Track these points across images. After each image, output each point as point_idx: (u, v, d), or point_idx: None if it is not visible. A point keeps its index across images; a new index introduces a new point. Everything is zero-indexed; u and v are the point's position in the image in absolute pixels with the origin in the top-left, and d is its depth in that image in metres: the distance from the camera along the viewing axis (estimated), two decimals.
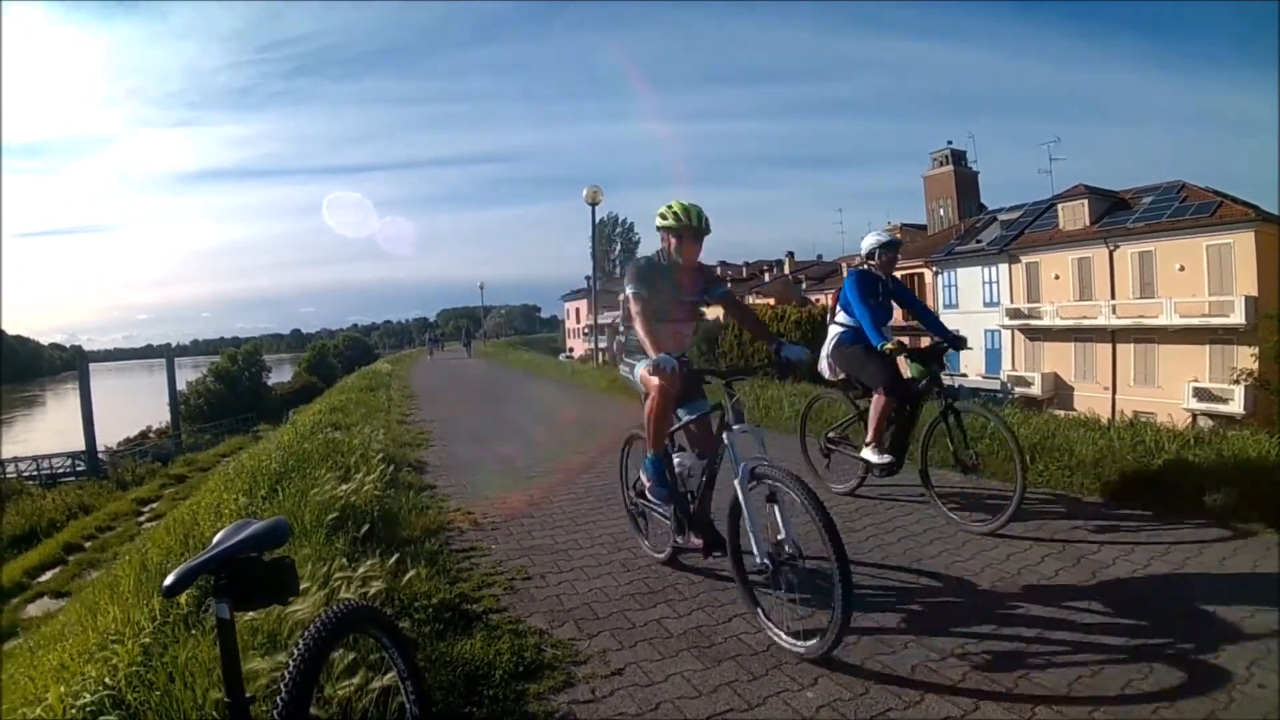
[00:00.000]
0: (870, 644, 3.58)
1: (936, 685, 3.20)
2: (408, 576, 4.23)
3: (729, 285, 5.15)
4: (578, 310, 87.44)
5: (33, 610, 16.47)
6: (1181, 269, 32.06)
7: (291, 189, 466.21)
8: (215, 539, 1.97)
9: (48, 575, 19.29)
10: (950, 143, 59.08)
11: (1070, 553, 4.76)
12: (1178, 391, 31.33)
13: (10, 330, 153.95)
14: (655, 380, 4.40)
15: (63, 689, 3.04)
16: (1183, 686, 3.09)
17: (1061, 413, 11.50)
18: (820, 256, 71.96)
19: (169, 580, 1.80)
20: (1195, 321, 31.23)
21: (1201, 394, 30.85)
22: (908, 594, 4.29)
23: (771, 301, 48.08)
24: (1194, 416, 27.01)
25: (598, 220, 25.06)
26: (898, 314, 6.44)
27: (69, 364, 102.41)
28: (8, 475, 38.30)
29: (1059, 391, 36.73)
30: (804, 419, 7.39)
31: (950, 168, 57.94)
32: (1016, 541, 5.01)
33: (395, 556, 4.47)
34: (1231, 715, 2.90)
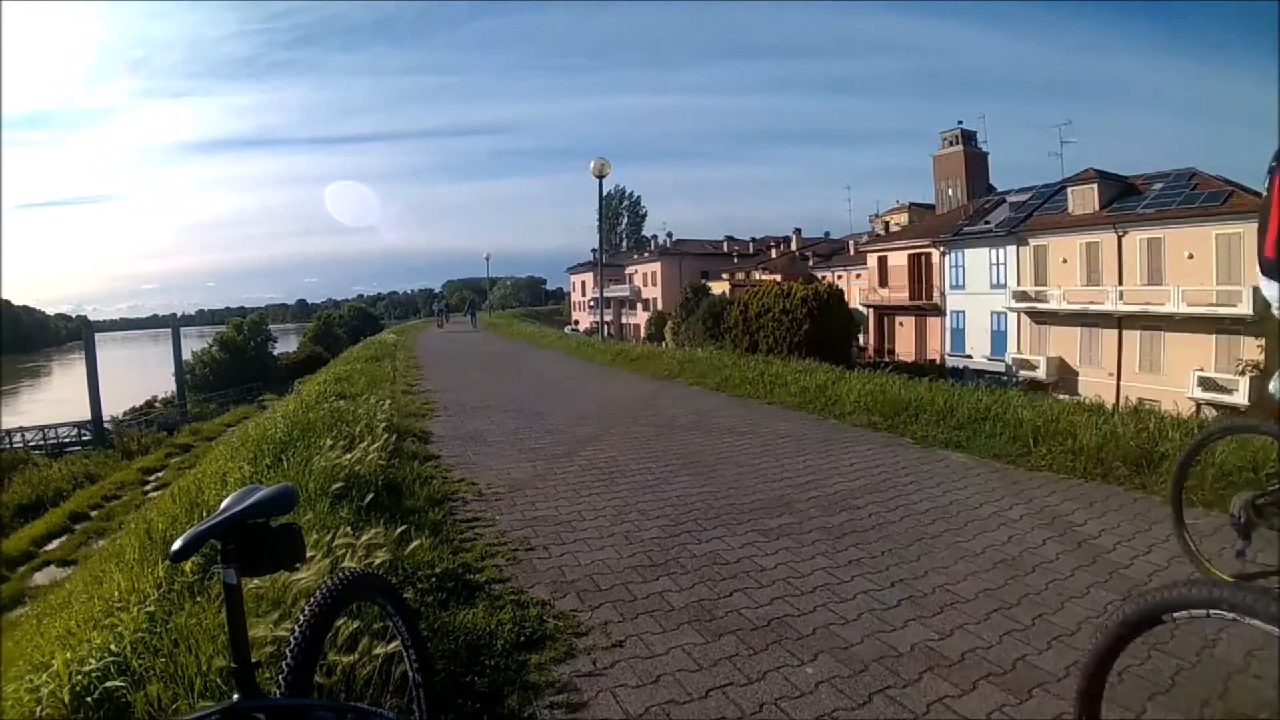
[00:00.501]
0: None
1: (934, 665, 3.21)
2: (411, 546, 4.24)
3: None
4: (583, 283, 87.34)
5: (40, 578, 16.58)
6: (1190, 257, 31.83)
7: (294, 159, 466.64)
8: (223, 504, 1.96)
9: (54, 544, 19.39)
10: (961, 123, 58.81)
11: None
12: (1183, 380, 31.17)
13: (16, 301, 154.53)
14: None
15: (69, 655, 3.06)
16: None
17: (1066, 397, 11.49)
18: (828, 233, 72.12)
19: (176, 545, 1.78)
20: (1202, 310, 30.93)
21: (1206, 383, 30.68)
22: None
23: (778, 278, 47.93)
24: (1198, 406, 26.98)
25: (604, 193, 24.88)
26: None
27: (75, 334, 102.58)
28: (14, 445, 38.46)
29: (1064, 376, 36.62)
30: (1182, 470, 4.26)
31: (960, 148, 57.56)
32: None
33: (399, 526, 4.49)
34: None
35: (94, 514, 21.54)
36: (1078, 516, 5.09)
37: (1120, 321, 34.47)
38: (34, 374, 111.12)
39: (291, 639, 1.97)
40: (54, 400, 62.52)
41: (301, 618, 2.03)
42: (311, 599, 2.09)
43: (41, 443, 39.83)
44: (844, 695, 2.98)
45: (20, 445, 38.29)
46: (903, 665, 3.19)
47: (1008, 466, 6.51)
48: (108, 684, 2.82)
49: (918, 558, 4.46)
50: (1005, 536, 4.77)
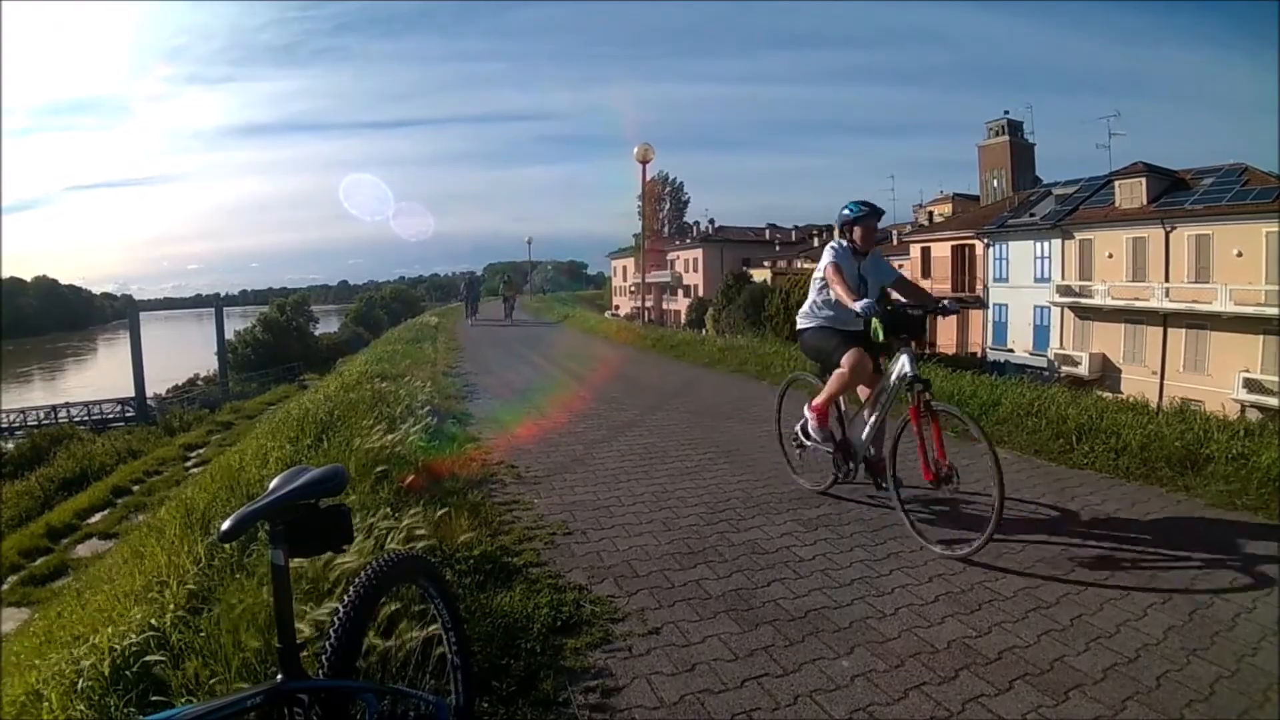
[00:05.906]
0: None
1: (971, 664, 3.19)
2: (438, 512, 4.26)
3: None
4: (624, 268, 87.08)
5: (82, 550, 16.85)
6: (1239, 255, 31.14)
7: (338, 144, 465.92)
8: (272, 484, 1.97)
9: (97, 517, 19.63)
10: (1007, 113, 57.76)
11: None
12: (1228, 381, 30.53)
13: (64, 280, 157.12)
14: None
15: (110, 630, 3.11)
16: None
17: (1109, 395, 11.33)
18: None
19: (226, 524, 1.80)
20: (1250, 310, 30.16)
21: (1252, 385, 29.94)
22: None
23: None
24: (1243, 407, 26.44)
25: (647, 178, 24.66)
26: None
27: (120, 313, 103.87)
28: (59, 420, 39.22)
29: (1106, 373, 36.06)
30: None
31: (1006, 138, 56.69)
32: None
33: (439, 508, 4.53)
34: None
35: (135, 489, 21.75)
36: (1120, 517, 5.03)
37: (1165, 319, 33.84)
38: (79, 352, 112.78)
39: (335, 620, 1.99)
40: (86, 379, 63.44)
41: (346, 599, 2.05)
42: (356, 581, 2.11)
43: (86, 418, 40.61)
44: (880, 690, 2.98)
45: (65, 421, 39.04)
46: (939, 661, 3.17)
47: (1049, 463, 6.44)
48: (147, 658, 2.87)
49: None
50: (1045, 535, 4.72)
